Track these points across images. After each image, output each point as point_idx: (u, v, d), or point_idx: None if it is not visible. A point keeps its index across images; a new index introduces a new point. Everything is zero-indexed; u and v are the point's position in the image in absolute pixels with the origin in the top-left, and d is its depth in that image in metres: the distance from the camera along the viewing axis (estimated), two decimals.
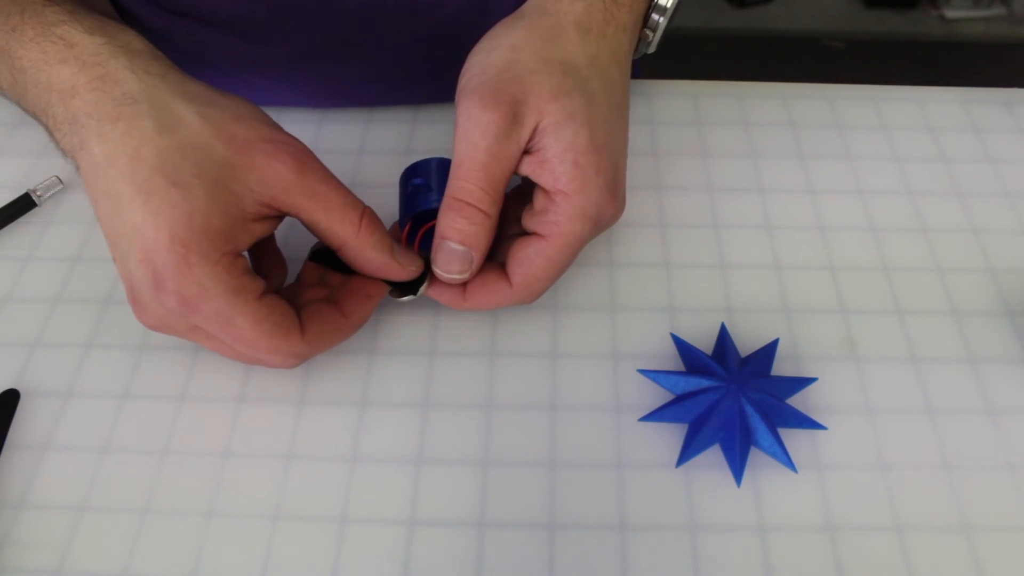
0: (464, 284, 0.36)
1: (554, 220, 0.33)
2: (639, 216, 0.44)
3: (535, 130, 0.33)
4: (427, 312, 0.40)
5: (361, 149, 0.47)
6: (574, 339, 0.39)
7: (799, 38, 1.60)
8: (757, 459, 0.35)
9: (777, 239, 0.43)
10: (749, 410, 0.34)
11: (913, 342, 0.39)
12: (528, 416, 0.36)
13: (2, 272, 0.42)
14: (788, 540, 0.33)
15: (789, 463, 0.34)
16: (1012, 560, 0.32)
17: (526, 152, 0.33)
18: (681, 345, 0.38)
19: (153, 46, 0.33)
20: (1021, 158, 0.47)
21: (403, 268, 0.34)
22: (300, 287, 0.36)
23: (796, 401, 0.36)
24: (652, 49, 0.39)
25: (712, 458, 0.35)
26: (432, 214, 0.35)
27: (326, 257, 0.35)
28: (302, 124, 0.48)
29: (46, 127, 0.32)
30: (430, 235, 0.35)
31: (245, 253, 0.32)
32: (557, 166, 0.33)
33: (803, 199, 0.45)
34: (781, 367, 0.38)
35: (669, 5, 0.37)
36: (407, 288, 0.36)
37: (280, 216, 0.33)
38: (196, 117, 0.31)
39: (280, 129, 0.33)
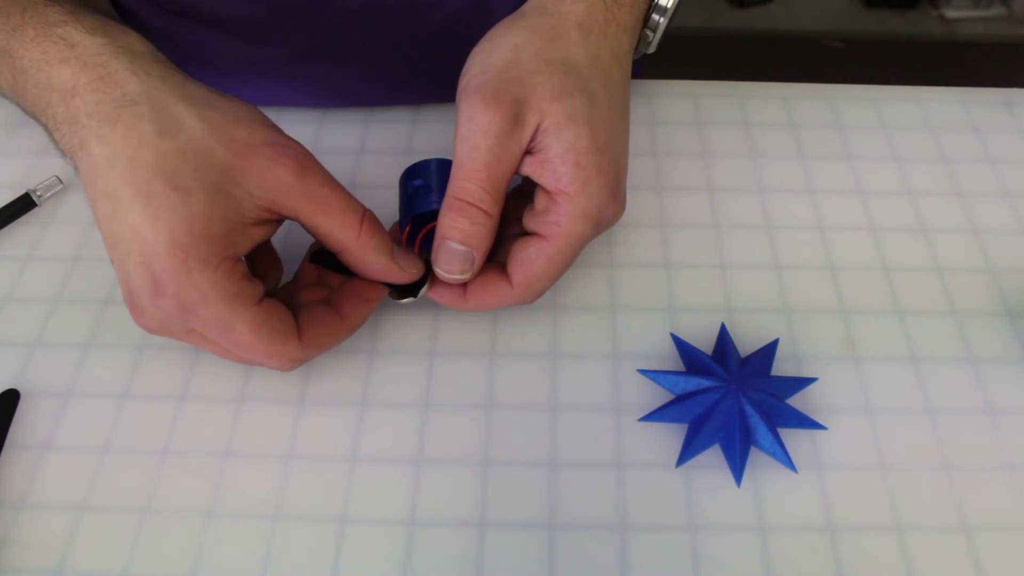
0: (465, 285, 0.36)
1: (555, 220, 0.33)
2: (639, 216, 0.44)
3: (537, 130, 0.33)
4: (427, 312, 0.40)
5: (361, 149, 0.47)
6: (574, 339, 0.39)
7: (799, 38, 1.60)
8: (757, 459, 0.35)
9: (777, 239, 0.43)
10: (749, 410, 0.34)
11: (913, 342, 0.39)
12: (528, 416, 0.36)
13: (2, 272, 0.42)
14: (788, 540, 0.33)
15: (789, 463, 0.34)
16: (1012, 560, 0.33)
17: (527, 152, 0.33)
18: (681, 345, 0.38)
19: (154, 47, 0.33)
20: (1021, 158, 0.47)
21: (404, 271, 0.34)
22: (298, 286, 0.36)
23: (796, 401, 0.36)
24: (652, 49, 0.39)
25: (712, 458, 0.35)
26: (432, 215, 0.35)
27: (326, 259, 0.35)
28: (302, 124, 0.48)
29: (45, 127, 0.32)
30: (430, 236, 0.35)
31: (243, 258, 0.32)
32: (559, 167, 0.33)
33: (803, 199, 0.45)
34: (781, 367, 0.38)
35: (669, 5, 0.37)
36: (407, 290, 0.36)
37: (280, 220, 0.33)
38: (197, 120, 0.30)
39: (281, 132, 0.33)
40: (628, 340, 0.39)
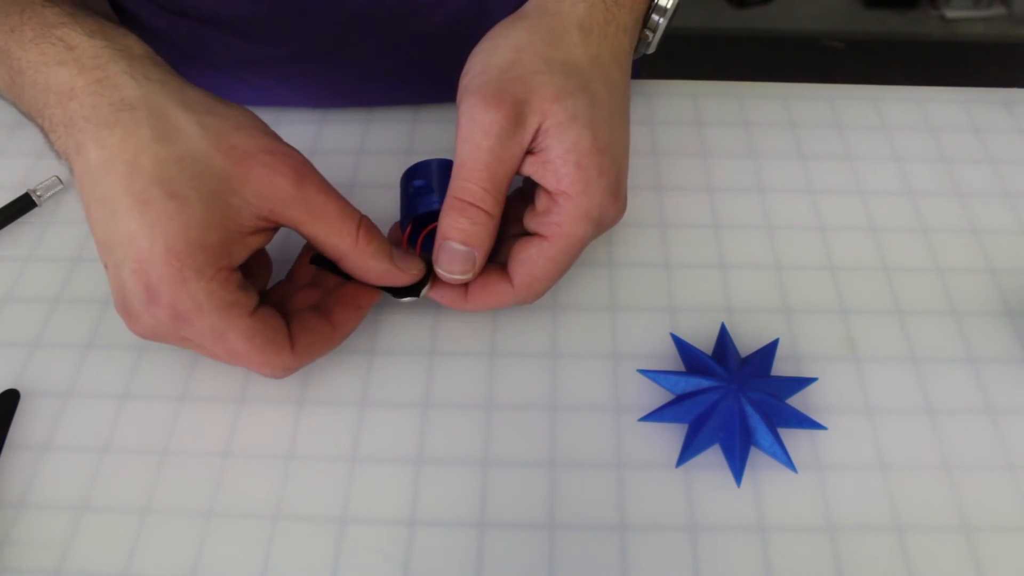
0: (465, 285, 0.36)
1: (556, 221, 0.33)
2: (639, 216, 0.44)
3: (538, 131, 0.33)
4: (427, 312, 0.40)
5: (361, 149, 0.47)
6: (574, 339, 0.39)
7: (799, 38, 1.60)
8: (757, 459, 0.35)
9: (777, 239, 0.43)
10: (749, 410, 0.34)
11: (913, 342, 0.39)
12: (528, 416, 0.36)
13: (2, 272, 0.42)
14: (788, 540, 0.33)
15: (789, 463, 0.34)
16: (1012, 560, 0.33)
17: (528, 152, 0.33)
18: (681, 345, 0.38)
19: (153, 51, 0.33)
20: (1021, 158, 0.47)
21: (404, 273, 0.34)
22: (292, 287, 0.36)
23: (796, 401, 0.36)
24: (652, 49, 0.39)
25: (712, 458, 0.35)
26: (433, 216, 0.35)
27: (326, 261, 0.35)
28: (302, 124, 0.48)
29: (42, 128, 0.32)
30: (432, 236, 0.35)
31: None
32: (560, 167, 0.33)
33: (803, 199, 0.45)
34: (781, 367, 0.38)
35: (669, 6, 0.37)
36: (409, 289, 0.36)
37: (276, 228, 0.33)
38: (195, 127, 0.30)
39: (279, 139, 0.32)
40: (628, 340, 0.39)
